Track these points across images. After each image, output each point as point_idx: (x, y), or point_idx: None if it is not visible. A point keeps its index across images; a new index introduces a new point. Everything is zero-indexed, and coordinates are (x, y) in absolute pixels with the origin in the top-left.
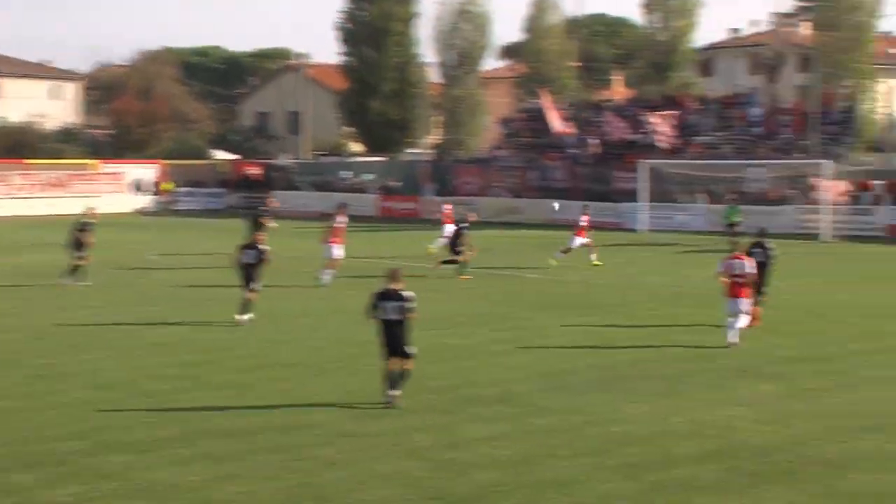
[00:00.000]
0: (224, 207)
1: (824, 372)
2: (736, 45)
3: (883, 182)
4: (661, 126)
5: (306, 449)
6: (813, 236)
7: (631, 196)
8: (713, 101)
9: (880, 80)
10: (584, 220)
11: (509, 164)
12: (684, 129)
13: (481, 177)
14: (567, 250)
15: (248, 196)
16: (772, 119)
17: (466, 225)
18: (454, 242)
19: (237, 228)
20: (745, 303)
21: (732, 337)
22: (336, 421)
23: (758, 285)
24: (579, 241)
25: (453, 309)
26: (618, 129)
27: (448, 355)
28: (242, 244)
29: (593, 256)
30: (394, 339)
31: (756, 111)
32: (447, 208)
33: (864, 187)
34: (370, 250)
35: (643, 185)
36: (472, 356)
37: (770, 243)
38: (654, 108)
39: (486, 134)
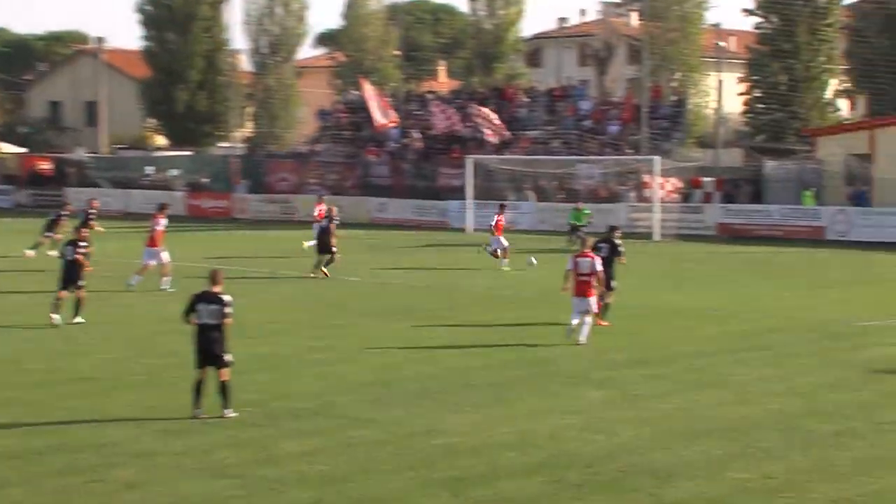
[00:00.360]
0: (11, 206)
1: (653, 376)
2: (564, 36)
3: (712, 179)
4: (487, 119)
5: (102, 470)
6: (646, 235)
7: (457, 193)
8: (542, 93)
9: (709, 73)
10: (500, 219)
11: (328, 160)
12: (512, 123)
13: (298, 173)
14: (494, 252)
15: (38, 193)
16: (602, 113)
17: (337, 220)
18: (325, 240)
19: (28, 229)
20: (592, 302)
21: (582, 337)
22: (135, 439)
23: (607, 280)
24: (503, 240)
25: (266, 316)
26: (443, 123)
27: (261, 366)
28: (68, 240)
29: (505, 261)
30: (209, 346)
31: (585, 104)
32: (321, 207)
33: (695, 184)
34: (179, 253)
35: (469, 181)
36: (287, 366)
37: (618, 239)
38: (480, 100)
39: (302, 127)
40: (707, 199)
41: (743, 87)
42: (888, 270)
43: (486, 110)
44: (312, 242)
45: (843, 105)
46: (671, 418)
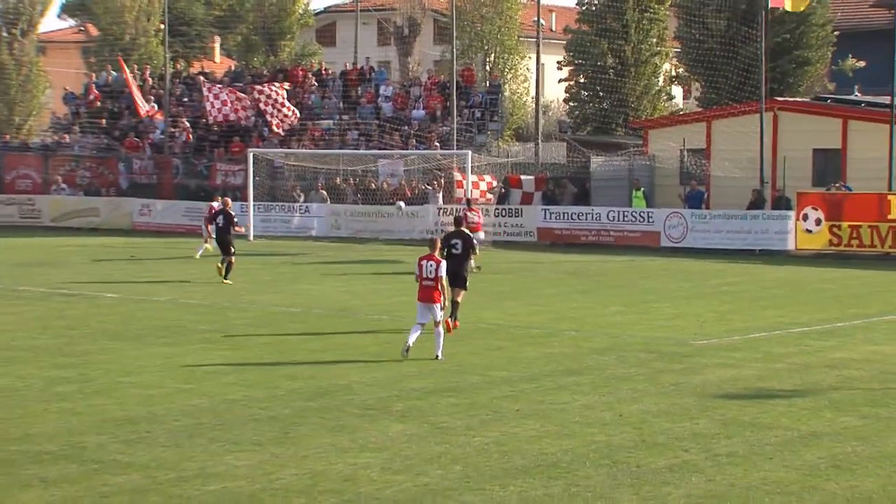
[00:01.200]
0: None
1: (464, 406)
2: (362, 10)
3: (532, 177)
4: (277, 105)
5: None
6: None
7: (237, 194)
8: (335, 76)
9: (528, 55)
10: (475, 215)
11: (80, 154)
12: (301, 111)
13: (42, 169)
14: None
15: None
16: (405, 100)
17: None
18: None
19: None
20: (438, 309)
21: (438, 352)
22: None
23: (462, 279)
24: (481, 236)
25: None
26: (218, 110)
27: None
28: None
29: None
30: None
31: (387, 90)
32: (215, 204)
33: (512, 183)
34: None
35: (251, 180)
36: (25, 402)
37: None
38: (263, 83)
39: (47, 114)
40: (526, 199)
41: (565, 71)
42: (725, 281)
43: (276, 90)
44: (203, 249)
45: (678, 93)
46: (485, 454)
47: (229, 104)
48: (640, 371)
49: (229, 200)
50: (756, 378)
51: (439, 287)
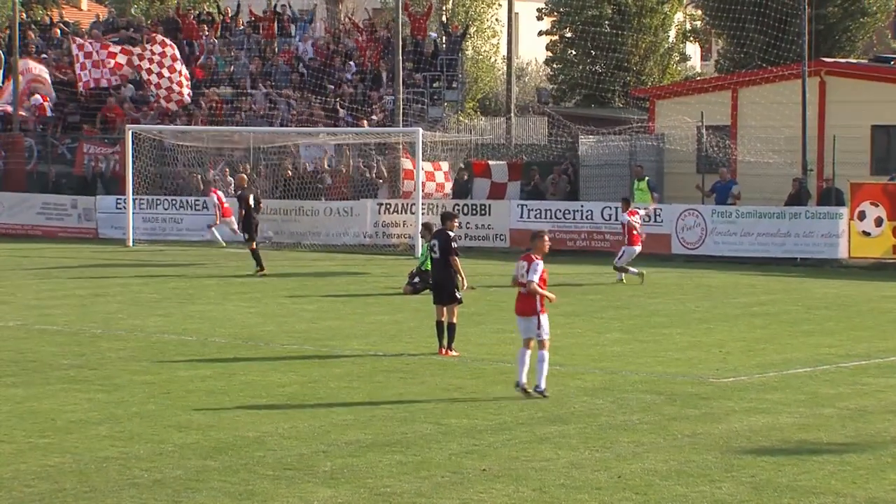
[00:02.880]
0: None
1: (414, 465)
2: None
3: (504, 163)
4: (158, 67)
5: None
6: (407, 249)
7: (110, 184)
8: (240, 29)
9: (497, 3)
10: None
11: None
12: (194, 74)
13: None
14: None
15: None
16: (334, 60)
17: None
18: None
19: None
20: (538, 323)
21: (542, 383)
22: None
23: (449, 292)
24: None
25: None
26: (89, 74)
27: None
28: None
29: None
30: None
31: (307, 46)
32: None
33: (477, 171)
34: None
35: (129, 165)
36: None
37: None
38: (144, 37)
39: None
40: (496, 192)
41: (547, 23)
42: (756, 300)
43: (153, 53)
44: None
45: (694, 53)
46: None
47: (103, 66)
48: (645, 418)
49: (245, 177)
50: (797, 427)
51: (536, 296)
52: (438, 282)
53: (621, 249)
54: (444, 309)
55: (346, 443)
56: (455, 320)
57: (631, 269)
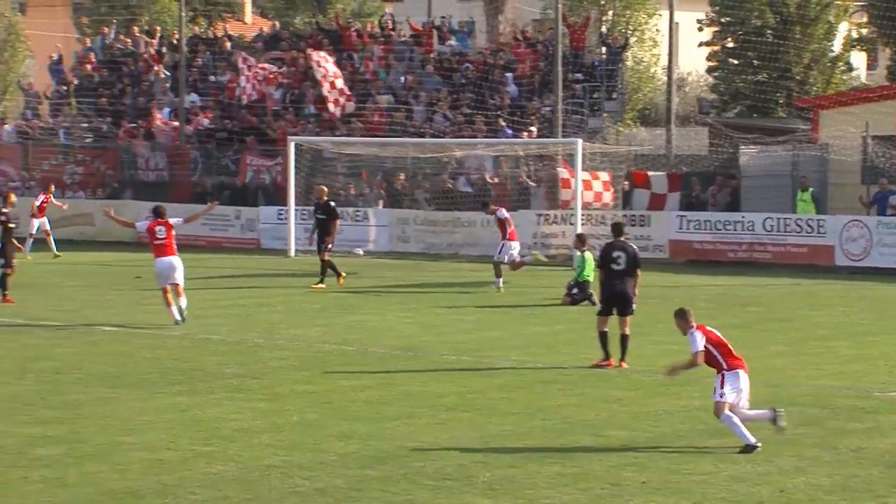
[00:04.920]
0: None
1: (573, 476)
2: None
3: (664, 173)
4: (319, 78)
5: None
6: (567, 260)
7: (273, 196)
8: (401, 40)
9: (658, 12)
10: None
11: (69, 144)
12: (355, 85)
13: (19, 164)
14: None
15: None
16: (493, 71)
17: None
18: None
19: None
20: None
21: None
22: None
23: (630, 303)
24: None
25: None
26: (251, 85)
27: None
28: None
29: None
30: None
31: (467, 58)
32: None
33: (638, 181)
34: None
35: (292, 176)
36: None
37: (629, 241)
38: (309, 48)
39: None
40: (656, 203)
41: (708, 33)
42: None
43: (325, 61)
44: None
45: (860, 62)
46: None
47: (266, 78)
48: (808, 432)
49: (324, 189)
50: None
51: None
52: (620, 293)
53: (501, 243)
54: (621, 320)
55: (504, 453)
56: (629, 331)
57: (498, 279)
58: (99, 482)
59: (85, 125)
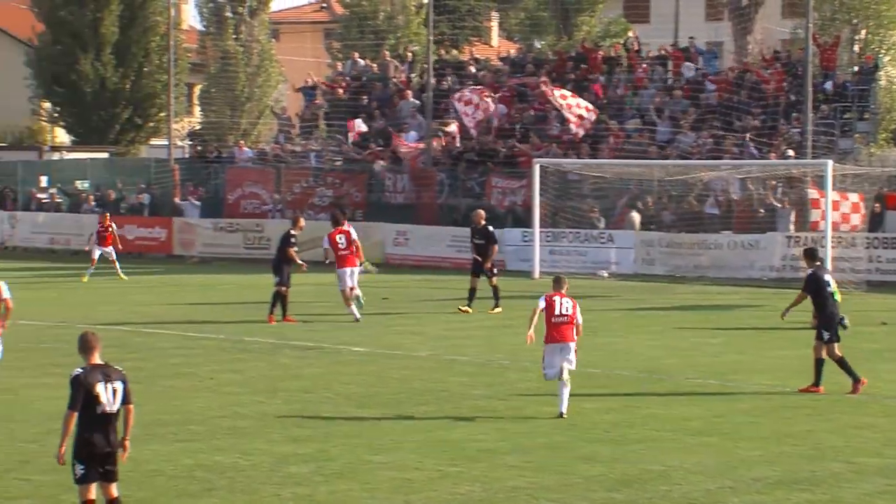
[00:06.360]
0: None
1: (818, 503)
2: None
3: None
4: (560, 101)
5: None
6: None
7: (517, 218)
8: (648, 59)
9: None
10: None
11: (319, 167)
12: (603, 108)
13: (272, 187)
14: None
15: None
16: (739, 92)
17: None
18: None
19: None
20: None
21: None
22: None
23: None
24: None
25: (222, 407)
26: (496, 108)
27: (216, 484)
28: None
29: None
30: (108, 445)
31: (712, 79)
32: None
33: (891, 204)
34: (79, 311)
35: (536, 199)
36: (250, 485)
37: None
38: (551, 72)
39: (280, 114)
40: None
41: None
42: None
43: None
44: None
45: None
46: None
47: (509, 101)
48: None
49: (482, 213)
50: None
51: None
52: (838, 319)
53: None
54: (832, 346)
55: (753, 479)
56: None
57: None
58: (348, 500)
59: (334, 149)
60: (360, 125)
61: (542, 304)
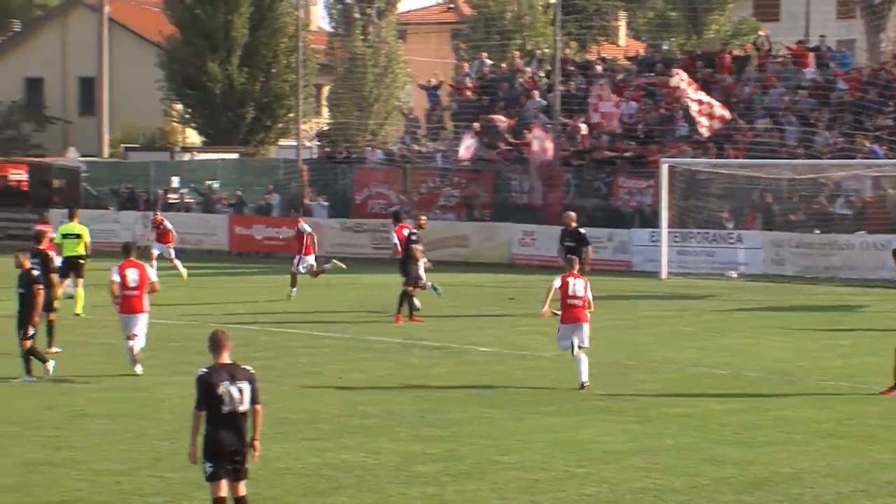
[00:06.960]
0: None
1: None
2: None
3: None
4: (687, 100)
5: None
6: None
7: (645, 218)
8: (777, 59)
9: None
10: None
11: (446, 167)
12: (732, 107)
13: (398, 187)
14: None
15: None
16: (871, 90)
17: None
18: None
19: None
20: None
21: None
22: None
23: None
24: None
25: (356, 405)
26: (622, 107)
27: (339, 482)
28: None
29: None
30: (236, 444)
31: (843, 77)
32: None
33: None
34: (213, 308)
35: (664, 199)
36: (378, 483)
37: None
38: (680, 69)
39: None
40: None
41: None
42: None
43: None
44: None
45: None
46: None
47: (638, 100)
48: None
49: (573, 215)
50: None
51: None
52: None
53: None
54: None
55: (886, 482)
56: None
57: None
58: (476, 500)
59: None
60: (470, 142)
61: (557, 282)
